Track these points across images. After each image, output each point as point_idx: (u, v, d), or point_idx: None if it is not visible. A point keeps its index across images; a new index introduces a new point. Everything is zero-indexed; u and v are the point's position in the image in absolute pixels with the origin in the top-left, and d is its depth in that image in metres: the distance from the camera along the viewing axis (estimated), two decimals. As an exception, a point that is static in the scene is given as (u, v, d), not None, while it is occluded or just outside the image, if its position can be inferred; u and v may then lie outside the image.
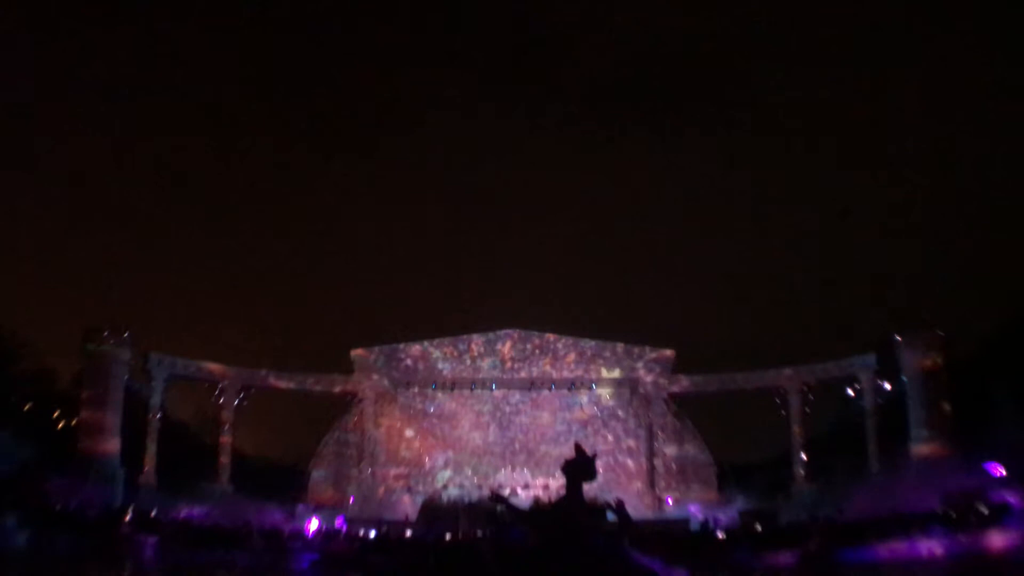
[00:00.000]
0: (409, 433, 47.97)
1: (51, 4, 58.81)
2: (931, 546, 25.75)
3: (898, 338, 40.65)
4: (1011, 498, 26.39)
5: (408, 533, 34.68)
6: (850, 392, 43.47)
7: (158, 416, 42.81)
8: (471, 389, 48.05)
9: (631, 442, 47.34)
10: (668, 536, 29.78)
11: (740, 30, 65.36)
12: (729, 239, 67.57)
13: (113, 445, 38.93)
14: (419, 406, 48.48)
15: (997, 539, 24.79)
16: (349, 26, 71.27)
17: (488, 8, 67.06)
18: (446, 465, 47.26)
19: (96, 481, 35.19)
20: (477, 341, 47.96)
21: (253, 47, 67.98)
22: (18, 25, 54.81)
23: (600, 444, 45.17)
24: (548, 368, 47.56)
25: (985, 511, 26.55)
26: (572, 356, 47.70)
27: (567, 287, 64.80)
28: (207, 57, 65.79)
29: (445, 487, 44.99)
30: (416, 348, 48.05)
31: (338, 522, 36.23)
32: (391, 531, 34.99)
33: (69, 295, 56.95)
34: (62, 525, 27.94)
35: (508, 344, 47.76)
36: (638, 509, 38.52)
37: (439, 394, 48.30)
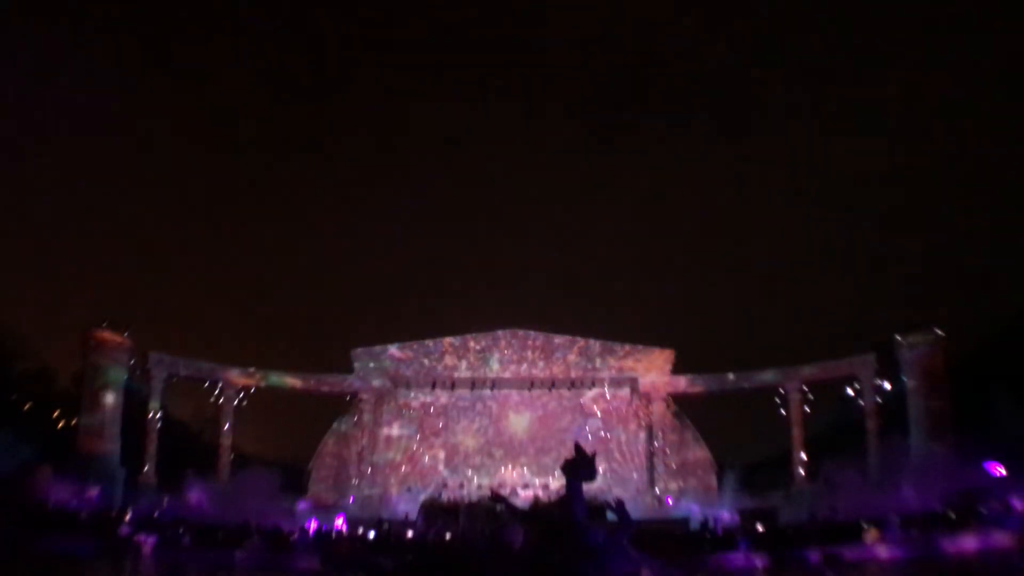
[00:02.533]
0: (409, 433, 47.93)
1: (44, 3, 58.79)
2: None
3: (898, 338, 40.67)
4: (1011, 498, 26.41)
5: (408, 533, 34.61)
6: (850, 392, 43.47)
7: (158, 416, 42.82)
8: (471, 388, 48.06)
9: (631, 442, 47.32)
10: (668, 535, 29.76)
11: (741, 36, 65.41)
12: (729, 239, 67.68)
13: (113, 445, 38.94)
14: (419, 406, 48.45)
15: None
16: (352, 32, 71.24)
17: (489, 10, 67.05)
18: (446, 465, 47.27)
19: (96, 481, 35.19)
20: (477, 340, 47.88)
21: (252, 50, 67.97)
22: (9, 21, 54.77)
23: (600, 444, 45.17)
24: (548, 368, 47.52)
25: (985, 511, 26.57)
26: (572, 356, 47.64)
27: (567, 287, 64.90)
28: (206, 60, 65.78)
29: (445, 487, 44.97)
30: (416, 347, 47.99)
31: (338, 522, 36.20)
32: (391, 531, 34.93)
33: (69, 295, 57.00)
34: (61, 525, 27.94)
35: (508, 343, 47.70)
36: (638, 508, 38.49)
37: (439, 394, 48.28)
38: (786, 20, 61.80)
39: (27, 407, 43.10)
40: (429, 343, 48.05)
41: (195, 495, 36.80)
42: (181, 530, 29.33)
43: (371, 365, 47.40)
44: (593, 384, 47.93)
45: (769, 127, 65.99)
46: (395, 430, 47.87)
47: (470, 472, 46.57)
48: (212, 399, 45.58)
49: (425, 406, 48.39)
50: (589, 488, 11.45)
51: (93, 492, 33.83)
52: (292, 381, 47.30)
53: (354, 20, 69.10)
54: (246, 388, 45.79)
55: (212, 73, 66.62)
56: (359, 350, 47.45)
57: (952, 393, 38.58)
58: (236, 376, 45.61)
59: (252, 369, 46.41)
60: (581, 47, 70.54)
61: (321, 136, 70.64)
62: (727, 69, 67.14)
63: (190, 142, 66.13)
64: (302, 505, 41.74)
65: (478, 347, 47.81)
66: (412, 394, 48.49)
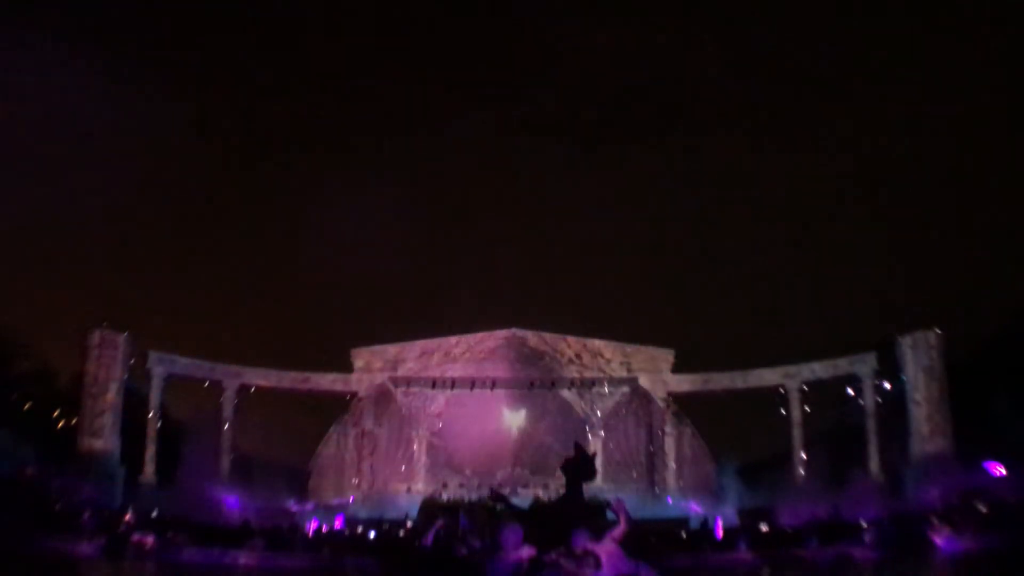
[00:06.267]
0: (408, 432, 47.94)
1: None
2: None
3: (898, 338, 40.67)
4: (1011, 498, 26.45)
5: (408, 532, 34.61)
6: (850, 392, 43.45)
7: (158, 416, 42.80)
8: (471, 388, 48.00)
9: (631, 442, 47.29)
10: (668, 535, 29.79)
11: (738, 41, 65.48)
12: (728, 239, 67.68)
13: (113, 445, 38.94)
14: (419, 405, 48.44)
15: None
16: (353, 35, 71.31)
17: (491, 19, 67.14)
18: (446, 464, 47.26)
19: (96, 481, 35.20)
20: (477, 340, 47.87)
21: (250, 50, 68.03)
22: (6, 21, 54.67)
23: (600, 443, 45.15)
24: (548, 367, 47.49)
25: (985, 511, 26.60)
26: (572, 355, 47.63)
27: (567, 286, 64.89)
28: (203, 59, 65.84)
29: (445, 486, 44.95)
30: (416, 347, 47.97)
31: (338, 522, 36.20)
32: (391, 531, 34.93)
33: (69, 295, 56.93)
34: (61, 525, 27.95)
35: (508, 343, 47.67)
36: (638, 508, 38.42)
37: (439, 393, 48.25)
38: (784, 23, 61.87)
39: (27, 407, 43.07)
40: (428, 343, 48.03)
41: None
42: (181, 530, 29.35)
43: (371, 365, 47.36)
44: (593, 384, 47.90)
45: (768, 128, 66.06)
46: (395, 430, 47.87)
47: (470, 472, 46.57)
48: (212, 399, 45.56)
49: (425, 406, 48.38)
50: (589, 488, 11.50)
51: (93, 493, 33.81)
52: (292, 381, 47.27)
53: (355, 24, 69.21)
54: (246, 388, 45.77)
55: (210, 72, 66.66)
56: (359, 350, 47.44)
57: (952, 393, 38.57)
58: (236, 376, 45.59)
59: (252, 369, 46.37)
60: (584, 58, 70.63)
61: (321, 136, 70.71)
62: (724, 73, 67.22)
63: (189, 141, 66.13)
64: (302, 506, 41.75)
65: (478, 347, 47.80)
66: (412, 393, 48.44)
